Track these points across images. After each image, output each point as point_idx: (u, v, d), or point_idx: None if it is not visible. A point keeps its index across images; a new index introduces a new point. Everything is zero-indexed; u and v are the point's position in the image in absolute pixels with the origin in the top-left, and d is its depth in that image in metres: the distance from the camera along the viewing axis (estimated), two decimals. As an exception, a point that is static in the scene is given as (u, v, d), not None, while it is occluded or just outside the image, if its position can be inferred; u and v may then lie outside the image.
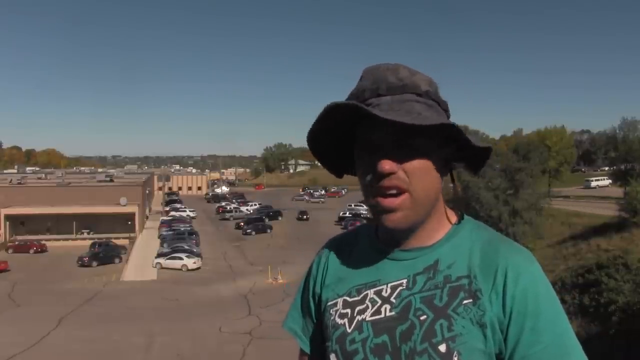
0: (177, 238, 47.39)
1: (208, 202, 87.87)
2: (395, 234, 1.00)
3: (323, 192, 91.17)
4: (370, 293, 1.00)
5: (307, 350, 1.13)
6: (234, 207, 70.44)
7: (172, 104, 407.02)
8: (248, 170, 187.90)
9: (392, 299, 0.98)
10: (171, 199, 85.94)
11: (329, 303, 1.05)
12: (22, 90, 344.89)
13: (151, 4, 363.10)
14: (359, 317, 0.99)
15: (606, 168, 75.30)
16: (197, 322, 25.75)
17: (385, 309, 0.97)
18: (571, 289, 24.25)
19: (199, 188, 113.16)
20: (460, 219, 1.04)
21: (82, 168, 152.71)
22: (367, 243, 1.08)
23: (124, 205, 53.81)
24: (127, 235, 51.65)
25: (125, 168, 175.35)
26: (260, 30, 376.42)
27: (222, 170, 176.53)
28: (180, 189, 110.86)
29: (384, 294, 0.99)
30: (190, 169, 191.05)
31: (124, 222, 52.45)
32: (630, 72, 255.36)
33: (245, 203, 76.36)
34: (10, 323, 25.59)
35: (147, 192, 74.01)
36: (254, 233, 54.69)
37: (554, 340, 0.88)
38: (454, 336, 0.90)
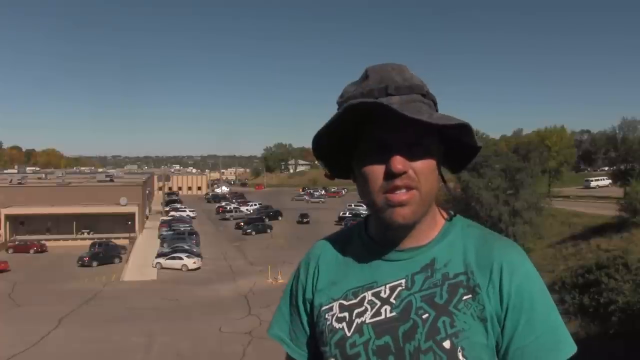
0: (177, 238, 47.36)
1: (208, 202, 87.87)
2: (391, 234, 1.00)
3: (323, 192, 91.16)
4: (368, 295, 1.00)
5: (297, 356, 1.12)
6: (234, 207, 70.44)
7: (172, 104, 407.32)
8: (248, 170, 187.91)
9: (391, 300, 0.98)
10: (171, 199, 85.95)
11: (324, 308, 1.04)
12: (22, 90, 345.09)
13: (151, 3, 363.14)
14: (358, 320, 0.98)
15: (606, 168, 75.27)
16: (197, 322, 25.74)
17: (386, 310, 0.97)
18: (571, 289, 24.24)
19: (199, 188, 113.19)
20: (452, 217, 1.05)
21: (82, 168, 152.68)
22: (359, 244, 1.07)
23: (124, 205, 53.79)
24: (127, 235, 51.64)
25: (125, 168, 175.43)
26: (261, 30, 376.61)
27: (222, 170, 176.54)
28: (180, 189, 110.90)
29: (382, 295, 0.99)
30: (190, 169, 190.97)
31: (124, 222, 52.43)
32: (630, 72, 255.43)
33: (245, 203, 76.38)
34: (10, 323, 25.57)
35: (147, 192, 74.02)
36: (254, 233, 54.68)
37: (546, 332, 0.92)
38: (457, 332, 0.91)
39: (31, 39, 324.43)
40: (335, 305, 1.02)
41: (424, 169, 0.94)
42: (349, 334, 0.98)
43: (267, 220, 60.38)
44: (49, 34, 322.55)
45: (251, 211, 68.67)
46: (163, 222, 58.37)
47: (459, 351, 0.90)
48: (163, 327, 24.83)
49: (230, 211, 68.55)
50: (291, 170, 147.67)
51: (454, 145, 1.01)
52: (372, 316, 0.97)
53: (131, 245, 48.66)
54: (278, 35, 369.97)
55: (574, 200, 48.68)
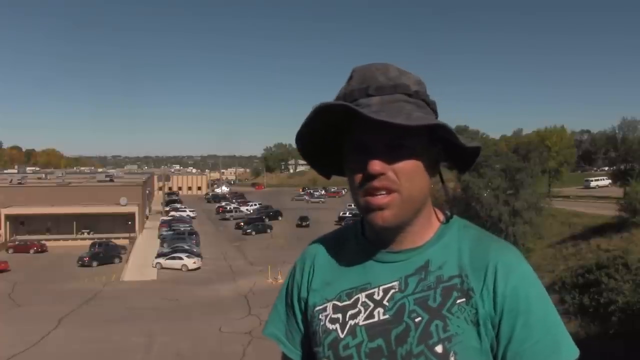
0: (177, 238, 47.36)
1: (208, 202, 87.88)
2: (384, 235, 0.99)
3: (323, 192, 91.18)
4: (362, 297, 0.98)
5: (293, 356, 1.11)
6: (234, 207, 70.47)
7: (172, 103, 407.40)
8: (248, 170, 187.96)
9: (385, 302, 0.96)
10: (171, 199, 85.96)
11: (318, 308, 1.03)
12: (22, 90, 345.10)
13: (151, 3, 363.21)
14: (351, 322, 0.97)
15: (606, 168, 75.28)
16: (197, 322, 25.74)
17: (379, 312, 0.96)
18: (571, 289, 24.25)
19: (199, 188, 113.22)
20: (449, 218, 1.03)
21: (82, 168, 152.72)
22: (355, 244, 1.06)
23: (124, 205, 53.80)
24: (127, 235, 51.65)
25: (125, 168, 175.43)
26: (261, 30, 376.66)
27: (222, 170, 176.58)
28: (180, 189, 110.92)
29: (376, 297, 0.97)
30: (190, 169, 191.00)
31: (124, 222, 52.43)
32: (630, 72, 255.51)
33: (245, 203, 76.41)
34: (10, 323, 25.57)
35: (147, 192, 74.03)
36: (254, 233, 54.69)
37: (545, 335, 0.89)
38: (449, 336, 0.90)
39: (31, 39, 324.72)
40: (329, 305, 1.01)
41: (405, 171, 0.92)
42: (342, 336, 0.97)
43: (267, 220, 60.40)
44: (49, 34, 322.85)
45: (251, 211, 68.71)
46: (163, 222, 58.37)
47: (452, 356, 0.89)
48: (163, 327, 24.82)
49: (230, 211, 68.58)
50: (291, 170, 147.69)
51: (452, 147, 0.99)
52: (366, 318, 0.96)
53: (131, 245, 48.66)
54: (278, 35, 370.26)
55: (574, 200, 48.68)
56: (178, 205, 76.03)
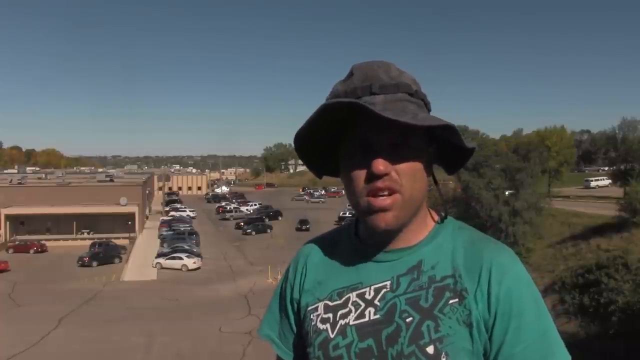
0: (177, 238, 47.37)
1: (208, 202, 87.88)
2: (378, 235, 0.97)
3: (323, 192, 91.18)
4: (353, 296, 0.97)
5: (285, 357, 1.09)
6: (234, 207, 70.48)
7: (172, 103, 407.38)
8: (248, 170, 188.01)
9: (376, 302, 0.95)
10: (171, 199, 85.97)
11: (309, 308, 1.02)
12: (22, 90, 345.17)
13: (151, 3, 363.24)
14: (342, 322, 0.96)
15: (606, 168, 75.29)
16: (197, 322, 25.74)
17: (370, 312, 0.95)
18: (571, 289, 24.26)
19: (199, 188, 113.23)
20: (443, 219, 1.02)
21: (82, 168, 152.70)
22: (347, 244, 1.05)
23: (124, 205, 53.80)
24: (127, 235, 51.66)
25: (125, 168, 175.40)
26: (261, 30, 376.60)
27: (222, 170, 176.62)
28: (180, 189, 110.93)
29: (367, 296, 0.96)
30: (190, 169, 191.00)
31: (124, 222, 52.44)
32: (630, 72, 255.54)
33: (245, 203, 76.42)
34: (10, 323, 25.57)
35: (147, 192, 74.03)
36: (254, 233, 54.70)
37: (537, 339, 0.88)
38: (441, 337, 0.89)
39: (31, 39, 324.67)
40: (321, 305, 1.00)
41: (407, 171, 0.91)
42: (332, 336, 0.96)
43: (267, 220, 60.40)
44: (49, 34, 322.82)
45: (251, 211, 68.72)
46: (163, 222, 58.39)
47: (443, 356, 0.88)
48: (163, 327, 24.82)
49: (230, 211, 68.59)
50: (291, 170, 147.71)
51: (446, 147, 0.98)
52: (356, 318, 0.95)
53: (131, 245, 48.67)
54: (278, 35, 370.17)
55: (574, 200, 48.68)
56: (178, 205, 76.04)
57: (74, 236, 52.48)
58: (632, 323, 19.64)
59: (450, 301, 0.91)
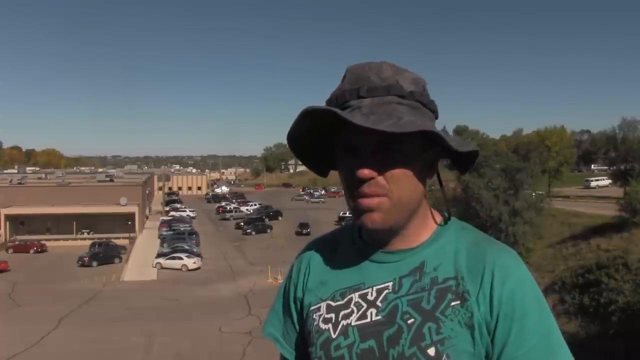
0: (177, 238, 47.37)
1: (208, 202, 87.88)
2: (378, 236, 0.97)
3: (323, 192, 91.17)
4: (355, 297, 0.97)
5: (289, 356, 1.10)
6: (234, 207, 70.48)
7: (172, 103, 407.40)
8: (248, 170, 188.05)
9: (378, 303, 0.95)
10: (171, 199, 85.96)
11: (312, 308, 1.02)
12: (22, 90, 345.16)
13: (151, 3, 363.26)
14: (344, 322, 0.96)
15: (605, 168, 75.33)
16: (197, 322, 25.75)
17: (372, 313, 0.94)
18: (571, 289, 24.26)
19: (199, 188, 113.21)
20: (446, 220, 1.01)
21: (82, 168, 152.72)
22: (350, 245, 1.05)
23: (124, 205, 53.81)
24: (127, 235, 51.65)
25: (125, 168, 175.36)
26: (261, 30, 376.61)
27: (222, 170, 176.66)
28: (180, 189, 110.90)
29: (369, 297, 0.96)
30: (190, 169, 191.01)
31: (124, 222, 52.44)
32: (630, 72, 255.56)
33: (245, 203, 76.41)
34: (10, 323, 25.58)
35: (147, 192, 74.02)
36: (254, 233, 54.71)
37: (540, 341, 0.88)
38: (442, 339, 0.88)
39: (31, 39, 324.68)
40: (323, 305, 1.00)
41: (395, 175, 0.89)
42: (334, 336, 0.96)
43: (267, 220, 60.41)
44: (49, 34, 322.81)
45: (251, 211, 68.73)
46: (163, 222, 58.39)
47: (444, 359, 0.87)
48: (163, 327, 24.83)
49: (230, 211, 68.60)
50: (291, 170, 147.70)
51: (448, 149, 0.95)
52: (358, 319, 0.95)
53: (131, 245, 48.67)
54: (278, 35, 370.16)
55: (574, 200, 48.70)
56: (178, 205, 76.02)
57: (74, 236, 52.48)
58: (632, 323, 19.64)
59: (452, 303, 0.90)
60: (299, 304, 1.07)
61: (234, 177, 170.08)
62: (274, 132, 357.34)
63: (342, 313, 0.97)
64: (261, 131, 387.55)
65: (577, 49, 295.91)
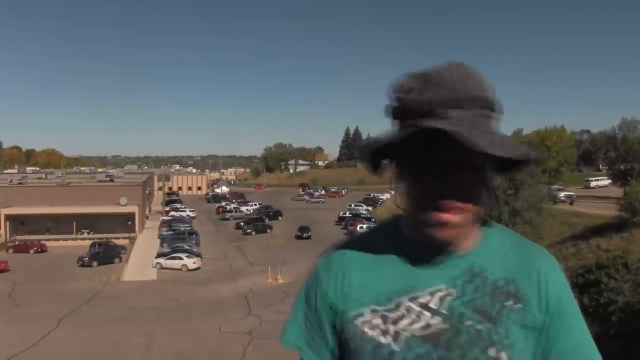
0: (177, 238, 47.40)
1: (208, 202, 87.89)
2: (432, 242, 0.93)
3: (323, 192, 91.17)
4: (405, 301, 0.93)
5: None
6: (234, 207, 70.50)
7: (172, 103, 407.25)
8: (248, 170, 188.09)
9: (432, 306, 0.91)
10: (171, 199, 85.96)
11: (352, 313, 0.95)
12: (22, 90, 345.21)
13: (151, 3, 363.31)
14: (394, 327, 0.91)
15: (604, 168, 75.37)
16: (197, 322, 25.74)
17: (426, 316, 0.91)
18: (571, 288, 24.21)
19: (199, 188, 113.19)
20: (486, 222, 1.01)
21: (82, 168, 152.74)
22: (392, 247, 0.98)
23: (124, 205, 53.83)
24: (127, 235, 51.66)
25: (125, 168, 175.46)
26: (261, 30, 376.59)
27: (222, 170, 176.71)
28: (180, 189, 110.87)
29: (421, 300, 0.92)
30: (190, 169, 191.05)
31: (124, 222, 52.45)
32: (630, 72, 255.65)
33: (245, 203, 76.42)
34: (10, 323, 25.57)
35: (147, 192, 74.04)
36: (254, 233, 54.73)
37: (581, 341, 0.93)
38: (505, 342, 0.88)
39: (31, 39, 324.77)
40: (367, 311, 0.94)
41: (475, 190, 0.88)
42: (384, 342, 0.91)
43: (267, 220, 60.42)
44: (49, 34, 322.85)
45: (251, 211, 68.73)
46: (163, 222, 58.43)
47: None
48: (163, 327, 24.82)
49: (230, 211, 68.61)
50: (291, 170, 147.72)
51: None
52: (411, 323, 0.91)
53: (131, 245, 48.68)
54: (278, 35, 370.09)
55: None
56: (178, 205, 76.03)
57: (74, 236, 52.49)
58: (632, 323, 19.64)
59: (511, 305, 0.90)
60: (331, 310, 0.99)
61: (234, 177, 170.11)
62: (274, 132, 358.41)
63: (391, 318, 0.93)
64: (261, 131, 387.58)
65: (577, 49, 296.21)
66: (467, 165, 0.86)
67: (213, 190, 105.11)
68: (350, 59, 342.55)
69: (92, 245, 46.34)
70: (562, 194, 47.53)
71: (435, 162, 0.86)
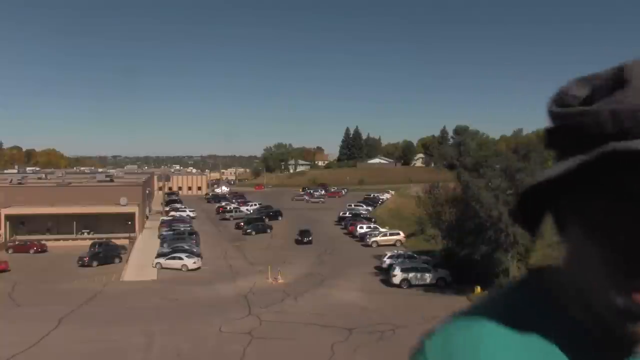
0: (177, 238, 47.42)
1: (208, 202, 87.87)
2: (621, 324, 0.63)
3: (323, 192, 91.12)
4: None
5: None
6: (234, 207, 70.50)
7: (172, 103, 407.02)
8: (248, 170, 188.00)
9: None
10: (171, 199, 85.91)
11: None
12: (22, 90, 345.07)
13: (151, 3, 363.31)
14: None
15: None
16: (197, 322, 25.75)
17: None
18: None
19: (199, 188, 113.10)
20: None
21: (82, 168, 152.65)
22: (560, 332, 0.66)
23: (124, 205, 53.83)
24: (127, 235, 51.66)
25: (125, 168, 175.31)
26: (261, 30, 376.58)
27: (222, 171, 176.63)
28: (180, 189, 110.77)
29: None
30: (190, 169, 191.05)
31: (124, 222, 52.45)
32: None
33: (245, 203, 76.41)
34: (10, 323, 25.58)
35: (147, 192, 74.02)
36: (254, 233, 54.74)
37: None
38: None
39: (31, 39, 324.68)
40: None
41: None
42: None
43: (267, 220, 60.43)
44: (49, 34, 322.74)
45: (251, 211, 68.73)
46: (163, 222, 58.45)
47: None
48: (163, 327, 24.83)
49: (230, 211, 68.60)
50: (291, 170, 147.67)
51: None
52: None
53: (131, 245, 48.68)
54: (278, 35, 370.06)
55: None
56: (178, 205, 75.99)
57: (74, 236, 52.47)
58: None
59: None
60: None
61: (234, 177, 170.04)
62: (274, 132, 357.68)
63: None
64: (261, 131, 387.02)
65: (577, 48, 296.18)
66: None
67: (213, 190, 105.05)
68: (350, 59, 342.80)
69: (92, 245, 46.35)
70: None
71: (634, 206, 0.56)
